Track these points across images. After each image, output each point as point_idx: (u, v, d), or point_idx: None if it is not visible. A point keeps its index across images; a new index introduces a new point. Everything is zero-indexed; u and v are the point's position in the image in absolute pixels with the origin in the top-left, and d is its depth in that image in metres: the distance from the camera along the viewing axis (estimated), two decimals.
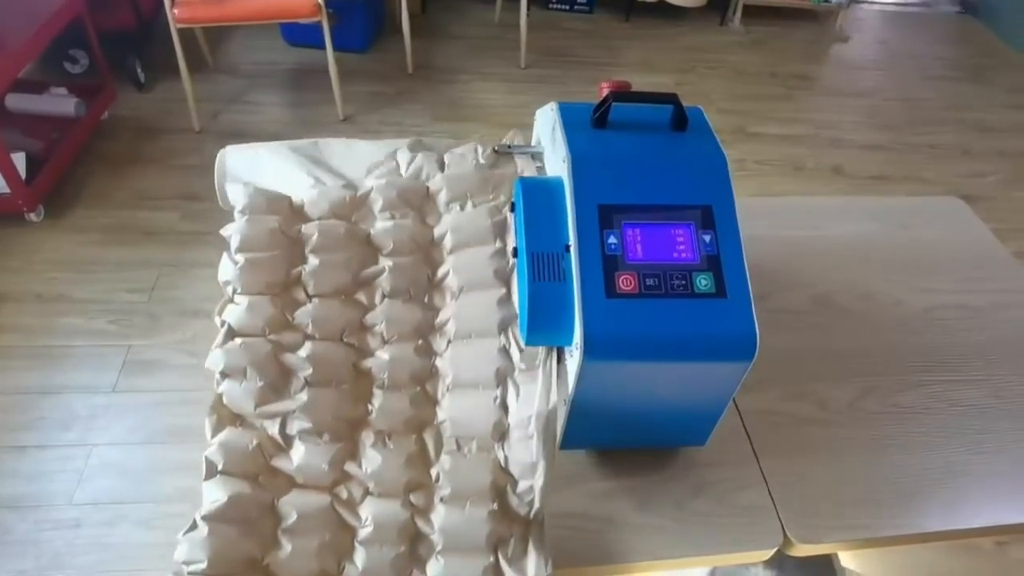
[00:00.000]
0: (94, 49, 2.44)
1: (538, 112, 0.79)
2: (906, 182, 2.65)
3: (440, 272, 0.74)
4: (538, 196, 0.66)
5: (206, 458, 0.62)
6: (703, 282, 0.61)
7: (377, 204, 0.75)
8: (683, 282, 0.61)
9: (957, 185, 2.64)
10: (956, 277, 1.04)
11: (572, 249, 0.62)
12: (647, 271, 0.61)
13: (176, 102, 2.60)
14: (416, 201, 0.76)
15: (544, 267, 0.63)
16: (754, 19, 3.62)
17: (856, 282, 1.02)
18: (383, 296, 0.72)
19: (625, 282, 0.61)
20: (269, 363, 0.66)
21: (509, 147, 0.80)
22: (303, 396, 0.66)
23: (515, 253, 0.71)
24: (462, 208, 0.76)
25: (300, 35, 2.99)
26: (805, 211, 1.16)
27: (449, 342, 0.71)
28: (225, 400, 0.65)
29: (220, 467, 0.62)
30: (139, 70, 2.68)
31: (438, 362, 0.71)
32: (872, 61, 3.47)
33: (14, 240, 2.07)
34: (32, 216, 2.10)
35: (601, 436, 0.74)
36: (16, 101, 2.35)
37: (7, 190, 2.00)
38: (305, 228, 0.73)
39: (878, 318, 0.97)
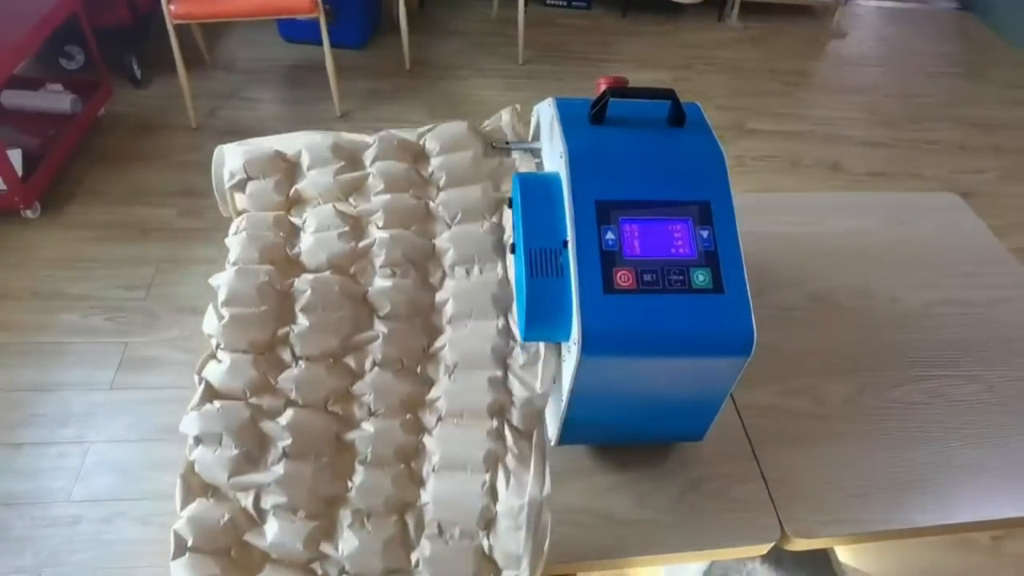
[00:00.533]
0: (90, 45, 2.43)
1: (536, 108, 0.79)
2: (903, 178, 2.65)
3: (436, 344, 0.71)
4: (536, 192, 0.66)
5: (175, 533, 0.59)
6: (701, 278, 0.61)
7: (379, 258, 0.72)
8: (681, 278, 0.61)
9: (954, 181, 2.64)
10: (953, 273, 1.04)
11: (570, 245, 0.62)
12: (645, 267, 0.61)
13: (173, 98, 2.59)
14: (420, 259, 0.73)
15: (542, 263, 0.63)
16: (752, 15, 3.61)
17: (853, 278, 1.02)
18: (374, 363, 0.68)
19: (623, 278, 0.61)
20: (247, 431, 0.63)
21: (507, 143, 0.80)
22: (279, 469, 0.62)
23: (513, 249, 0.71)
24: (468, 273, 0.73)
25: (297, 31, 2.98)
26: (802, 207, 1.16)
27: (439, 419, 0.67)
28: (197, 468, 0.62)
29: (190, 543, 0.58)
30: (136, 66, 2.67)
31: (426, 440, 0.67)
32: (869, 57, 3.47)
33: (10, 237, 2.06)
34: (28, 213, 2.09)
35: (599, 432, 0.74)
36: (12, 98, 2.34)
37: (3, 187, 2.00)
38: (298, 283, 0.70)
39: (875, 314, 0.98)
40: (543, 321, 0.63)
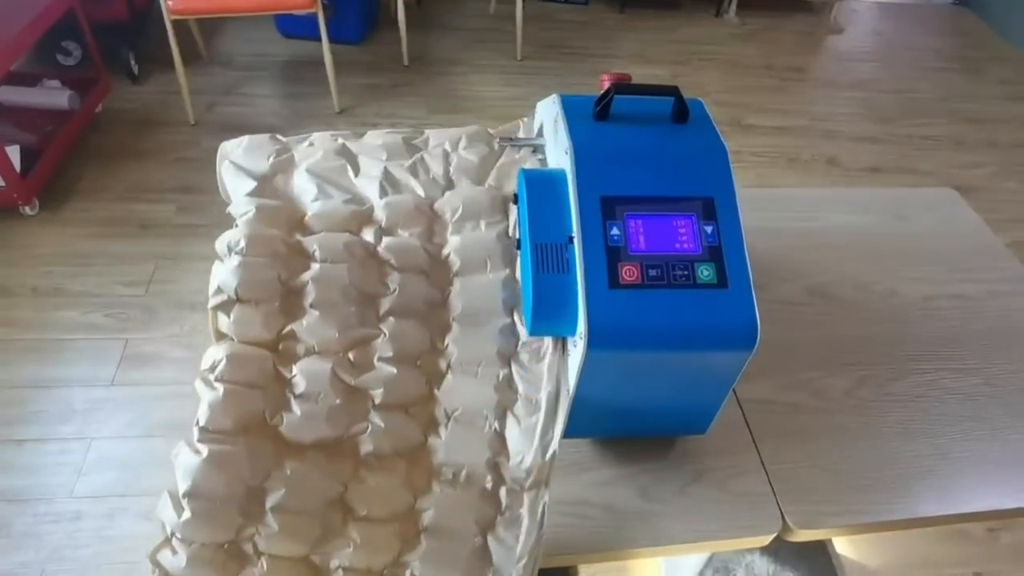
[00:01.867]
0: (87, 41, 2.42)
1: (539, 104, 0.79)
2: (900, 173, 2.67)
3: (408, 555, 0.64)
4: (541, 188, 0.67)
5: None
6: (705, 273, 0.62)
7: (366, 447, 0.66)
8: (685, 272, 0.62)
9: (951, 176, 2.65)
10: (950, 267, 1.05)
11: (575, 240, 0.62)
12: (650, 262, 0.62)
13: (170, 94, 2.59)
14: (408, 451, 0.68)
15: (548, 258, 0.63)
16: (749, 11, 3.62)
17: (851, 273, 1.03)
18: (339, 567, 0.63)
19: (628, 273, 0.61)
20: None
21: (511, 140, 0.81)
22: None
23: (518, 245, 0.72)
24: (454, 478, 0.67)
25: (295, 27, 2.98)
26: (800, 203, 1.17)
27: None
28: None
29: None
30: (133, 62, 2.66)
31: None
32: (866, 53, 3.48)
33: (9, 234, 2.06)
34: (27, 209, 2.09)
35: (604, 425, 0.75)
36: (9, 94, 2.34)
37: (2, 184, 1.99)
38: (274, 474, 0.63)
39: (873, 308, 0.99)
40: (549, 316, 0.64)
